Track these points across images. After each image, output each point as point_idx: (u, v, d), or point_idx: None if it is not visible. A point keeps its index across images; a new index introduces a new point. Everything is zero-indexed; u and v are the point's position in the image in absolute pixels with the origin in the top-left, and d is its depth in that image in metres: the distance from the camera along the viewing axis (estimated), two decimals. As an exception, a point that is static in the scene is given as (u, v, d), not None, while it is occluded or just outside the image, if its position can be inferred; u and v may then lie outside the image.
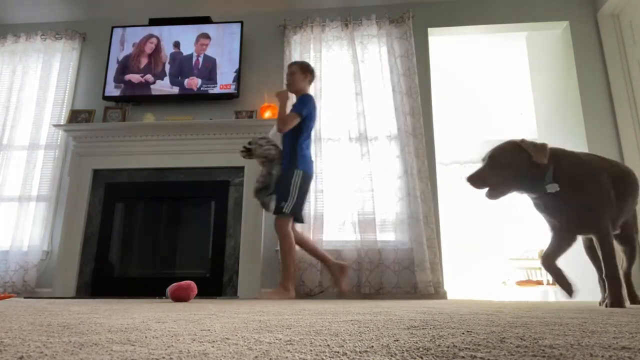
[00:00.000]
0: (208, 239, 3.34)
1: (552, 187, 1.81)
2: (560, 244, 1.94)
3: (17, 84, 3.79)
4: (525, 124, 6.46)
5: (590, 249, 2.09)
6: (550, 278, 6.46)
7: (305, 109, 2.85)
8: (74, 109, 3.71)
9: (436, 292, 3.07)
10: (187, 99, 3.62)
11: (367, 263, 3.11)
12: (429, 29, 3.70)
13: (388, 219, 3.26)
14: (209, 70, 3.65)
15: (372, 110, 3.46)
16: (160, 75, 3.67)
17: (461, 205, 7.47)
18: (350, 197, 3.30)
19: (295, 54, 3.66)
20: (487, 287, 6.34)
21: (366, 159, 3.32)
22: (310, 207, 3.25)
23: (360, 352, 0.50)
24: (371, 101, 3.48)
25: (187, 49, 3.71)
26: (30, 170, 3.55)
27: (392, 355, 0.47)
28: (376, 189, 3.28)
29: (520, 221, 7.18)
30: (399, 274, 3.10)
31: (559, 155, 1.86)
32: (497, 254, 7.19)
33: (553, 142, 3.63)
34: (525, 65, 4.79)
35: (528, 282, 6.71)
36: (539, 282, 6.67)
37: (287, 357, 0.46)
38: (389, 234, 3.23)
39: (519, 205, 7.17)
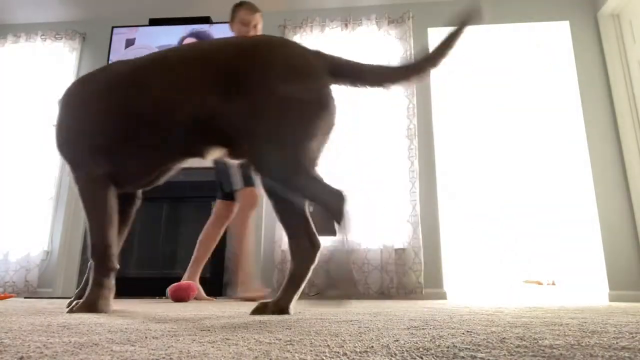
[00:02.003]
0: (208, 239, 3.34)
1: None
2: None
3: (17, 84, 3.79)
4: (525, 123, 6.45)
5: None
6: (550, 279, 6.45)
7: None
8: (74, 109, 3.71)
9: (434, 293, 3.07)
10: (187, 99, 3.62)
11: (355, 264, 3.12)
12: (429, 29, 3.70)
13: (379, 219, 3.23)
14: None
15: (368, 109, 3.46)
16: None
17: (463, 204, 7.46)
18: None
19: (295, 54, 3.65)
20: (506, 288, 6.32)
21: (360, 159, 3.32)
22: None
23: (360, 352, 0.50)
24: (368, 100, 3.48)
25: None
26: (31, 170, 3.55)
27: (392, 355, 0.47)
28: (368, 189, 3.27)
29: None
30: (393, 275, 3.10)
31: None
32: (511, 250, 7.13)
33: (553, 142, 3.62)
34: (525, 64, 4.79)
35: (528, 282, 6.71)
36: (539, 282, 6.67)
37: (287, 357, 0.46)
38: (381, 235, 3.20)
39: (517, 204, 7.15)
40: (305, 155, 1.07)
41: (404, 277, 3.06)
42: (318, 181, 1.06)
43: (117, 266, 1.24)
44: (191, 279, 2.53)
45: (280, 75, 1.08)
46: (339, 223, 1.04)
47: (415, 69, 1.20)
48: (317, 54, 1.17)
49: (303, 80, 1.09)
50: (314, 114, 1.08)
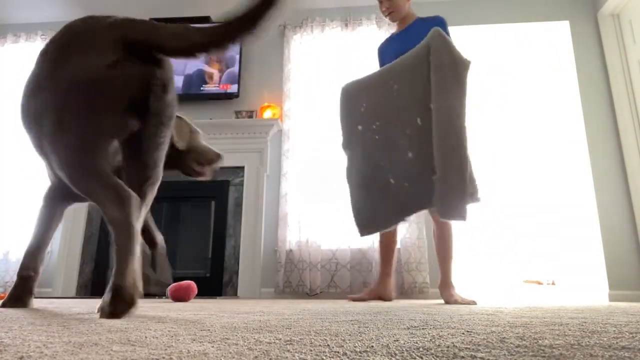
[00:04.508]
0: (208, 239, 3.34)
1: None
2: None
3: (17, 84, 3.79)
4: (525, 123, 6.45)
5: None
6: (550, 279, 6.45)
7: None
8: (74, 109, 3.71)
9: (434, 293, 3.08)
10: (187, 98, 3.62)
11: (357, 264, 3.12)
12: (429, 29, 3.69)
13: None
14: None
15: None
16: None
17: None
18: (340, 197, 3.25)
19: (295, 54, 3.66)
20: (507, 287, 6.32)
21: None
22: (289, 208, 3.22)
23: (360, 352, 0.50)
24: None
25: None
26: (31, 170, 3.55)
27: (392, 355, 0.47)
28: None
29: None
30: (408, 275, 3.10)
31: None
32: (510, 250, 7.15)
33: (553, 142, 3.63)
34: (525, 64, 4.79)
35: (528, 282, 6.70)
36: (539, 282, 6.66)
37: (287, 357, 0.46)
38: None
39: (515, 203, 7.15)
40: (89, 150, 0.91)
41: (403, 278, 3.07)
42: (107, 185, 0.91)
43: (31, 273, 1.44)
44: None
45: (52, 58, 0.94)
46: (110, 226, 0.94)
47: (230, 32, 0.96)
48: (110, 26, 0.97)
49: (73, 59, 0.90)
50: (94, 99, 0.89)
